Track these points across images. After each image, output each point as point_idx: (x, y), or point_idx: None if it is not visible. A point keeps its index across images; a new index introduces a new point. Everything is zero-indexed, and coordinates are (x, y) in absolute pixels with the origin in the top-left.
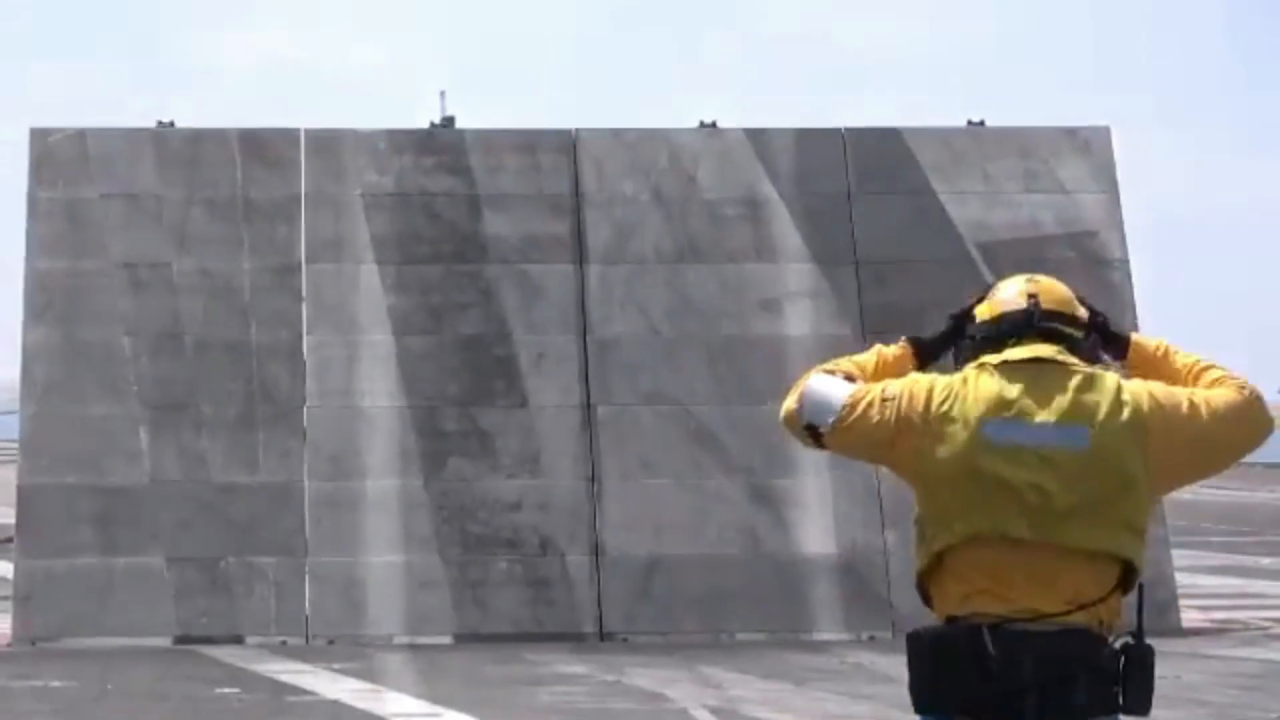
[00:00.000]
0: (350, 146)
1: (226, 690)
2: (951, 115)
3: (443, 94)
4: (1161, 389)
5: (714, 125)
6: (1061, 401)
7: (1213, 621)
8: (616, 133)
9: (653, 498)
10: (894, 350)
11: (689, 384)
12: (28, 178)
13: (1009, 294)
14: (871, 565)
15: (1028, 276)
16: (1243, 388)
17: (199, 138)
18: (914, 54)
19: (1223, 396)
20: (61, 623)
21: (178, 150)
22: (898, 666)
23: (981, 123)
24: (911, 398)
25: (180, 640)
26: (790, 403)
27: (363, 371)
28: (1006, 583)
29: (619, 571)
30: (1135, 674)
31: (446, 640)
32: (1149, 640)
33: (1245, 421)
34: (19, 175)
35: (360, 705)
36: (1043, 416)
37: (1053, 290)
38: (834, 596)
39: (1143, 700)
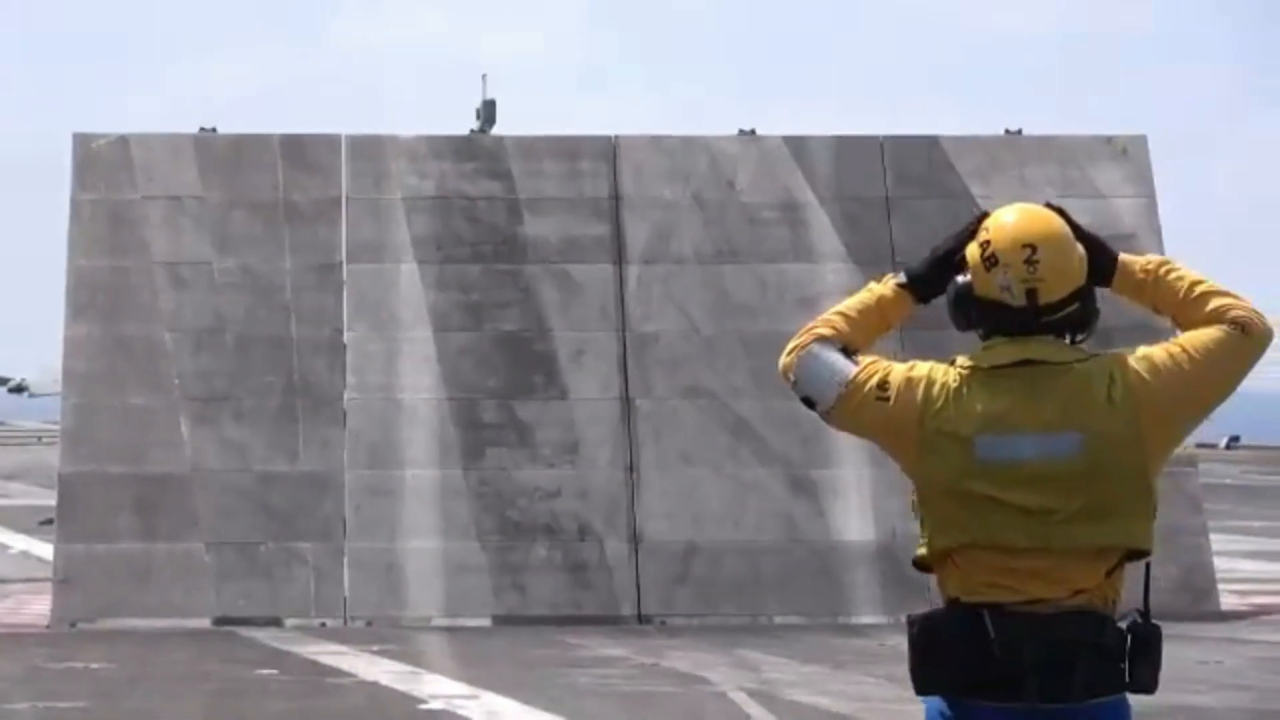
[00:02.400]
0: (391, 152)
1: (265, 672)
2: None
3: (484, 77)
4: (1149, 359)
5: (753, 133)
6: (1053, 408)
7: (1252, 606)
8: (656, 139)
9: (691, 487)
10: (890, 292)
11: (727, 379)
12: (70, 181)
13: (1005, 279)
14: (910, 551)
15: (1026, 243)
16: (1235, 322)
17: (241, 143)
18: None
19: (1206, 340)
20: (100, 605)
21: (220, 155)
22: None
23: (1019, 131)
24: (906, 403)
25: (219, 622)
26: (788, 360)
27: (402, 366)
28: (1009, 579)
29: (657, 556)
30: (1141, 653)
31: (485, 623)
32: (1167, 622)
33: (1229, 362)
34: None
35: (399, 687)
36: (1034, 428)
37: (1052, 275)
38: (872, 580)
39: (1148, 679)
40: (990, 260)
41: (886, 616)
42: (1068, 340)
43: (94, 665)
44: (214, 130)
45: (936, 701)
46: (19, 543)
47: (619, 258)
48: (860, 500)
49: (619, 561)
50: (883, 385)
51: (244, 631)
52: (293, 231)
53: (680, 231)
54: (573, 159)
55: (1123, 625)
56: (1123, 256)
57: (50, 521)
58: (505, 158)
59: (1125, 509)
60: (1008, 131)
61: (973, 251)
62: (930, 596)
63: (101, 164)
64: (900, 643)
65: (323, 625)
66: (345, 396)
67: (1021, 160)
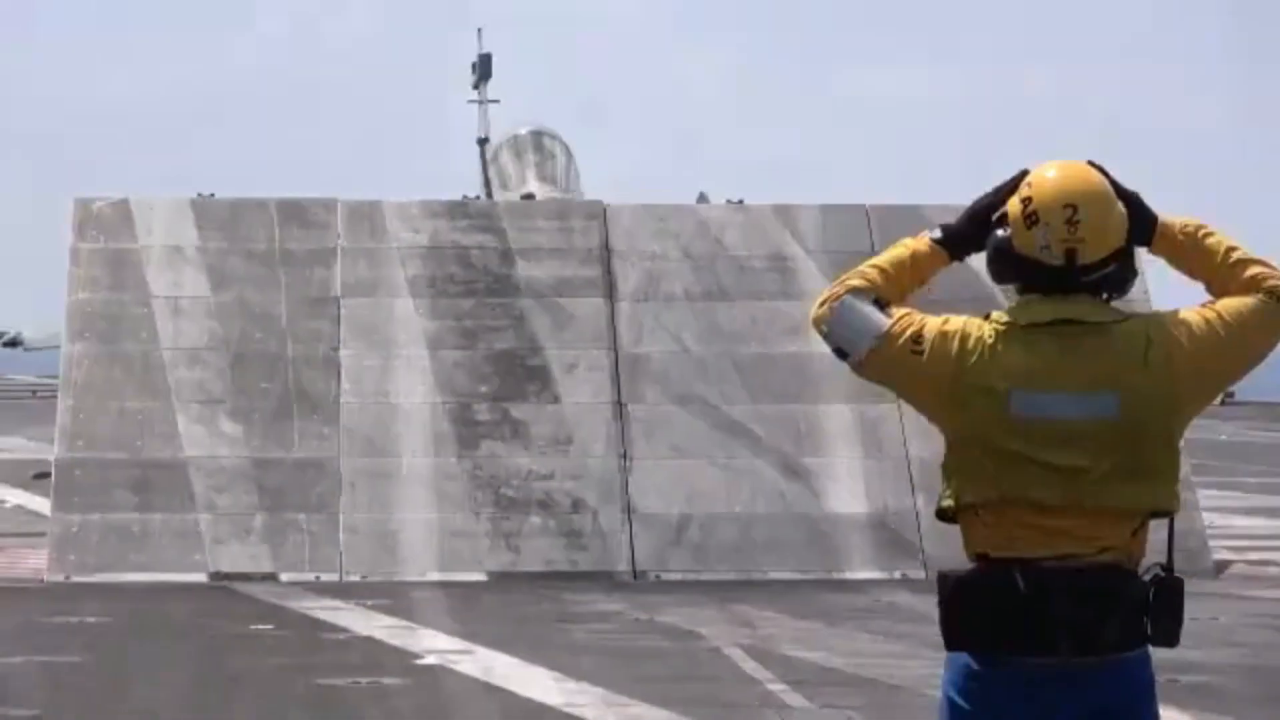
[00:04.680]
0: (386, 213)
1: (261, 626)
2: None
3: (479, 31)
4: (1187, 323)
5: (741, 202)
6: (1090, 368)
7: (1246, 563)
8: (645, 207)
9: (684, 472)
10: (924, 247)
11: (719, 389)
12: (71, 235)
13: (1045, 238)
14: (903, 520)
15: (1068, 203)
16: (1271, 291)
17: (238, 206)
18: None
19: (1241, 307)
20: (96, 560)
21: (217, 214)
22: (930, 605)
23: None
24: (941, 356)
25: (215, 577)
26: (820, 311)
27: (397, 377)
28: (1038, 535)
29: (650, 525)
30: (1164, 606)
31: (480, 578)
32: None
33: (1263, 331)
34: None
35: (394, 642)
36: (1070, 386)
37: (1093, 236)
38: (866, 543)
39: (1170, 633)
40: (1031, 218)
41: (880, 572)
42: (1104, 299)
43: (90, 619)
44: (212, 195)
45: (963, 657)
46: (14, 497)
47: (610, 294)
48: (852, 484)
49: (613, 530)
50: (917, 339)
51: (240, 587)
52: (288, 272)
53: (671, 275)
54: (563, 218)
55: (1146, 579)
56: (1162, 217)
57: (46, 475)
58: (498, 217)
59: (1155, 470)
60: None
61: (1014, 207)
62: (923, 558)
63: (101, 221)
64: (895, 599)
65: (317, 579)
66: (340, 400)
67: None
